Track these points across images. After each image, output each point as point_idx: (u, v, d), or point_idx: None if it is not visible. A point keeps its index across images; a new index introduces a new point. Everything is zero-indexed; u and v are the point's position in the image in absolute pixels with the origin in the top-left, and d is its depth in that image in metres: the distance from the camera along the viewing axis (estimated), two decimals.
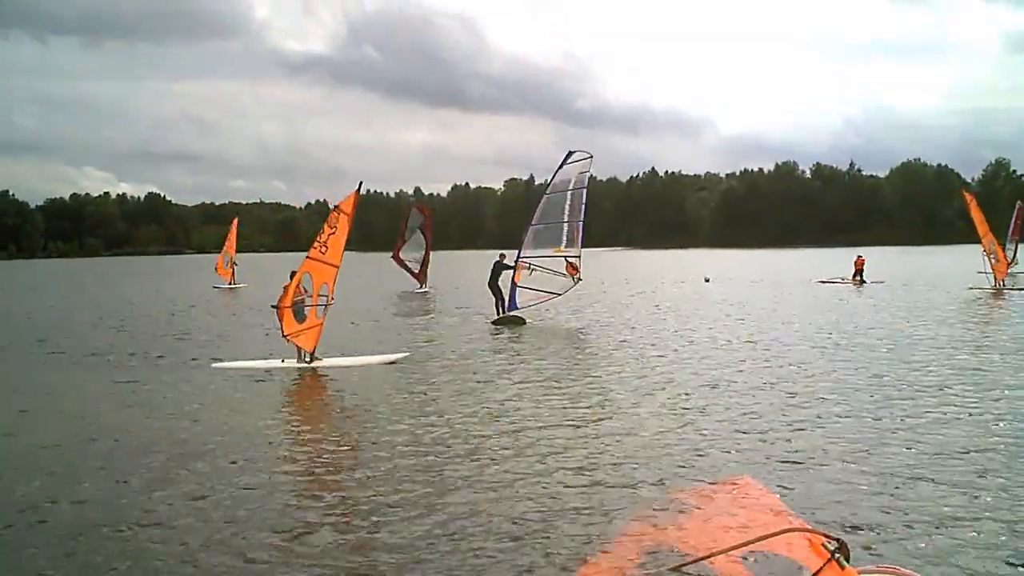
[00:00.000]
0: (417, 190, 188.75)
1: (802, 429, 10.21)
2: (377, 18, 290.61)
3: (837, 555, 5.01)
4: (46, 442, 10.37)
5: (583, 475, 8.44)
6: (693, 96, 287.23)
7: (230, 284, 44.62)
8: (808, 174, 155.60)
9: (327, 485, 8.52)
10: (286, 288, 16.29)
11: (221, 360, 16.91)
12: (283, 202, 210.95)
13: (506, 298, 23.91)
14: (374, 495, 7.93)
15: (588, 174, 23.85)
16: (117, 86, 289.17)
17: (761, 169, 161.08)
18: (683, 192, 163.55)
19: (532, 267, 23.55)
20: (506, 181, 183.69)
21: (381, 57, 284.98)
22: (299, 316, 16.27)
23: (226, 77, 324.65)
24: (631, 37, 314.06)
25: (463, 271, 56.00)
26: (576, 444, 9.73)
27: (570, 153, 23.96)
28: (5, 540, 6.98)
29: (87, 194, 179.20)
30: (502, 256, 24.58)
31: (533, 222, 23.92)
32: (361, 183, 17.50)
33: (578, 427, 10.63)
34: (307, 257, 16.34)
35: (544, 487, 8.06)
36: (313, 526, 7.14)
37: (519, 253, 23.80)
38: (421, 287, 39.28)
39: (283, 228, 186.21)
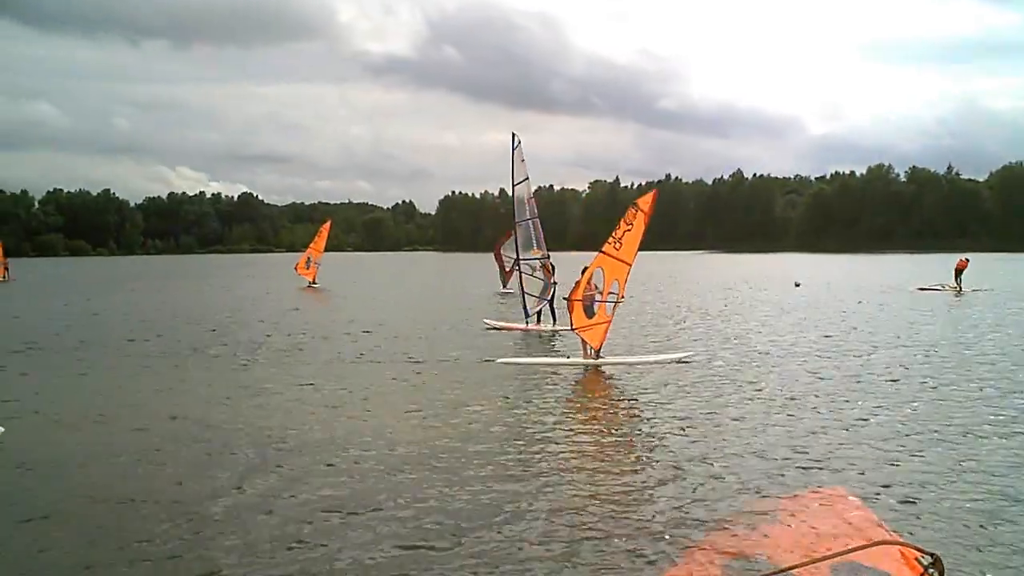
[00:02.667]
0: (502, 191, 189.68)
1: (910, 445, 9.85)
2: (457, 18, 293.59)
3: (931, 570, 4.81)
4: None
5: (673, 474, 8.38)
6: (780, 96, 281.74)
7: (312, 283, 44.85)
8: (903, 177, 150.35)
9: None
10: (577, 282, 16.40)
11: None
12: (369, 202, 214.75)
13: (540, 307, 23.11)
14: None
15: (524, 162, 22.95)
16: (207, 88, 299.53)
17: (853, 172, 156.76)
18: (770, 195, 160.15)
19: (533, 269, 23.12)
20: (591, 183, 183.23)
21: (462, 58, 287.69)
22: (589, 312, 16.35)
23: (311, 79, 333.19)
24: (714, 36, 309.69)
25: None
26: (672, 444, 9.65)
27: (512, 136, 23.07)
28: None
29: (183, 193, 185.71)
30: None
31: (516, 219, 23.18)
32: (657, 190, 17.76)
33: (686, 427, 10.53)
34: (600, 252, 16.39)
35: (632, 486, 8.01)
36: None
37: (517, 257, 23.15)
38: (507, 287, 38.17)
39: (369, 228, 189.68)
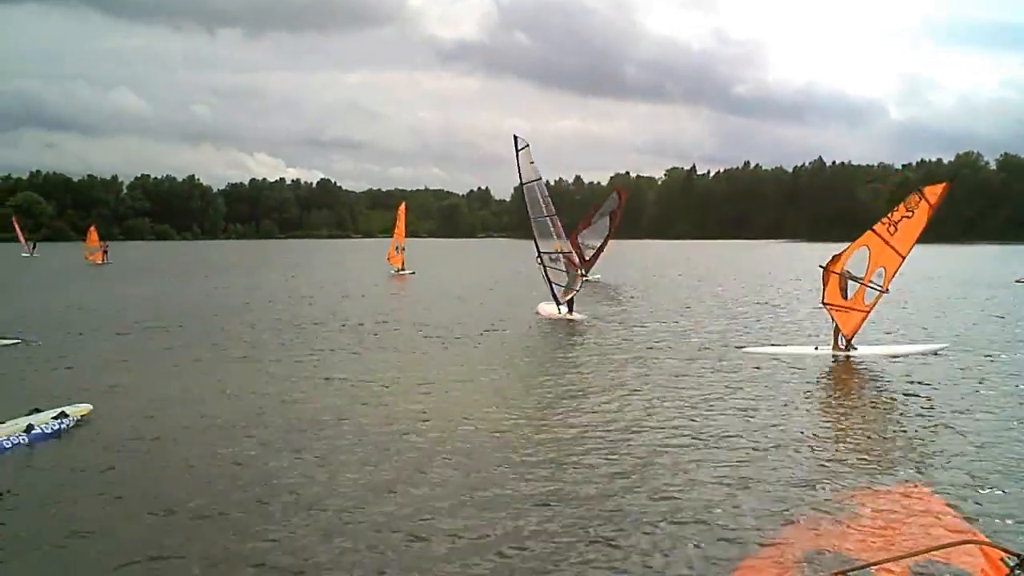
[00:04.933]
0: (577, 178, 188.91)
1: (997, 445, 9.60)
2: (527, 3, 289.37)
3: (1018, 571, 4.75)
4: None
5: (750, 468, 8.45)
6: (859, 81, 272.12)
7: (400, 270, 43.58)
8: (992, 165, 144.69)
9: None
10: (837, 256, 15.72)
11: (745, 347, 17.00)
12: (445, 189, 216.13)
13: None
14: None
15: (534, 164, 23.26)
16: (282, 75, 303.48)
17: (940, 159, 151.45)
18: (852, 182, 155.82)
19: (553, 261, 23.31)
20: (668, 170, 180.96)
21: (532, 43, 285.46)
22: (844, 292, 15.73)
23: (383, 65, 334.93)
24: (790, 19, 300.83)
25: (632, 261, 55.02)
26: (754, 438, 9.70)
27: (515, 139, 23.26)
28: None
29: (264, 179, 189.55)
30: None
31: (531, 215, 23.55)
32: (951, 182, 16.78)
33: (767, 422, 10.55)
34: (871, 229, 15.58)
35: (715, 477, 8.11)
36: None
37: (538, 251, 23.35)
38: (586, 276, 37.34)
39: (445, 214, 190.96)
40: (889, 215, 15.33)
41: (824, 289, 15.64)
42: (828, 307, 15.74)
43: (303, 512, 7.35)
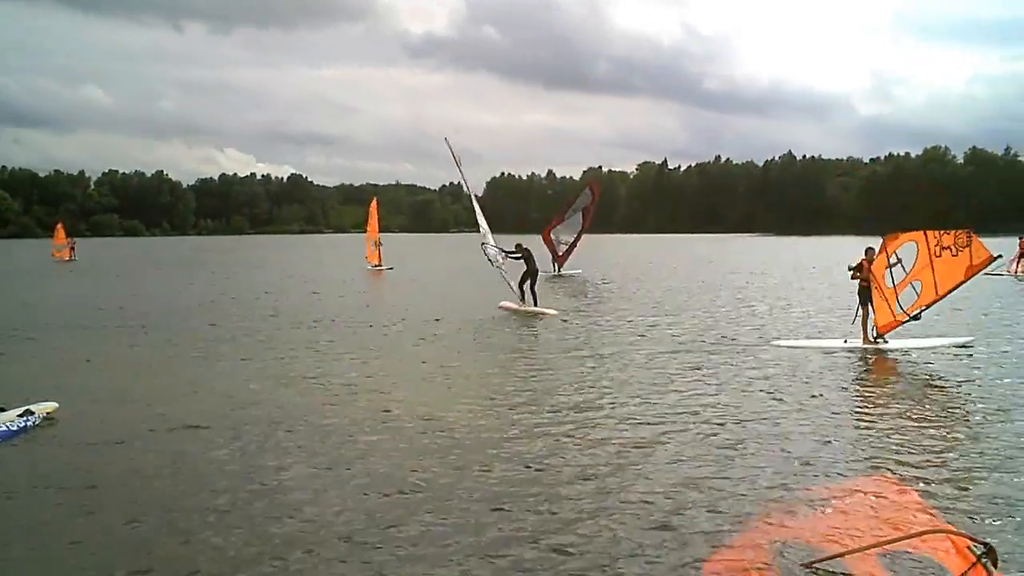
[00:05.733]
0: (550, 173, 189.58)
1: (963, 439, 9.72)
2: None
3: (984, 560, 4.81)
4: None
5: (722, 461, 8.47)
6: (828, 77, 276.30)
7: (377, 266, 42.78)
8: (960, 159, 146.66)
9: None
10: (895, 235, 15.70)
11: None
12: (416, 183, 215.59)
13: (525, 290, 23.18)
14: None
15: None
16: (250, 71, 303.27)
17: (908, 153, 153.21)
18: (822, 177, 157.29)
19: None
20: (639, 165, 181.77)
21: (501, 37, 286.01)
22: (891, 277, 15.57)
23: (353, 60, 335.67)
24: (758, 15, 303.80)
25: (602, 257, 55.11)
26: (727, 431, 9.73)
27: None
28: None
29: (235, 174, 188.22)
30: (517, 246, 23.72)
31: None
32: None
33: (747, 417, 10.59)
34: (922, 231, 15.34)
35: (681, 473, 8.12)
36: None
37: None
38: (558, 271, 37.61)
39: (417, 209, 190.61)
40: (938, 234, 15.00)
41: (875, 260, 15.67)
42: (871, 282, 15.62)
43: (270, 514, 7.23)
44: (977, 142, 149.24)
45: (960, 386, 12.70)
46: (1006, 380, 12.86)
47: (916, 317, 15.47)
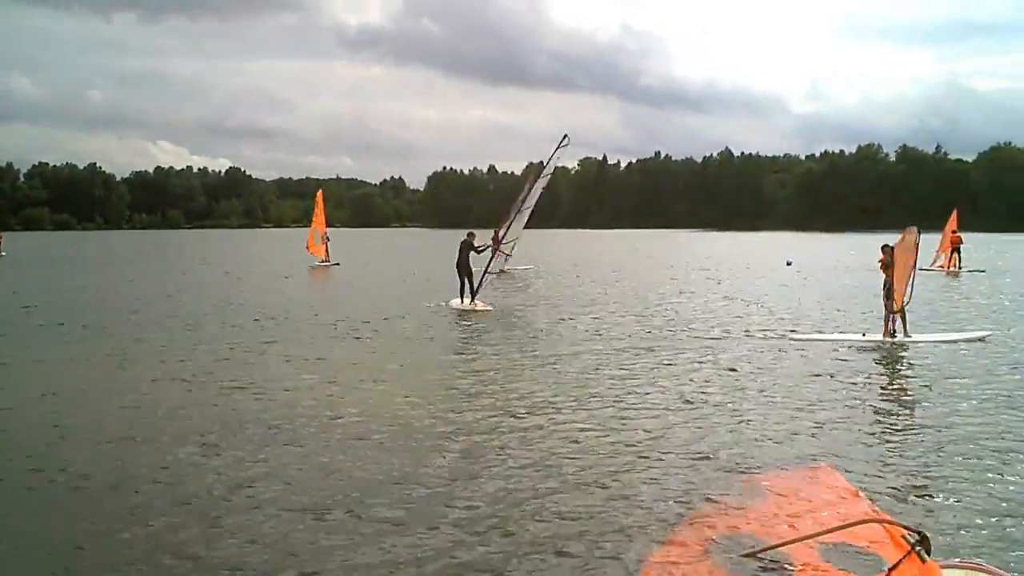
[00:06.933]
0: (492, 168, 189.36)
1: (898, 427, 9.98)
2: None
3: (918, 548, 4.88)
4: None
5: (661, 455, 8.47)
6: (764, 75, 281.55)
7: (324, 262, 41.06)
8: (892, 157, 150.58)
9: None
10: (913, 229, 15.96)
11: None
12: (357, 178, 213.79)
13: (475, 283, 22.69)
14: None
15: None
16: (183, 62, 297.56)
17: (842, 151, 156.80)
18: (760, 173, 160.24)
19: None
20: (580, 160, 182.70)
21: (439, 30, 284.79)
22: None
23: (289, 52, 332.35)
24: (695, 12, 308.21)
25: (550, 250, 55.19)
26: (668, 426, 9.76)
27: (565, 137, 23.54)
28: None
29: (170, 167, 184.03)
30: (471, 235, 23.48)
31: (524, 206, 23.88)
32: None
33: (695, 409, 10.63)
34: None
35: (623, 467, 8.11)
36: None
37: (503, 235, 23.87)
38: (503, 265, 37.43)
39: (358, 204, 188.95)
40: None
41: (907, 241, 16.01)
42: (904, 262, 15.87)
43: (217, 517, 7.06)
44: (909, 141, 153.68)
45: (926, 381, 12.73)
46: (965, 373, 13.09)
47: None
